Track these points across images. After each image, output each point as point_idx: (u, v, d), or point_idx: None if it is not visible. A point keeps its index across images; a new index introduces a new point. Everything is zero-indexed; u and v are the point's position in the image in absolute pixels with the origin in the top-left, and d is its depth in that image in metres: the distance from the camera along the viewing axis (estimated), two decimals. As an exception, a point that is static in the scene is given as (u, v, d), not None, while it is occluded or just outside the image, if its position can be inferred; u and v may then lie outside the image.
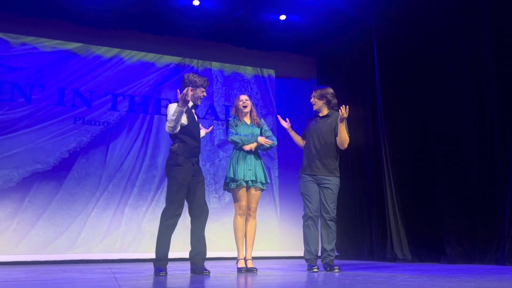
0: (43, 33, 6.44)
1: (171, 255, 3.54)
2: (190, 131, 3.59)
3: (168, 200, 3.48)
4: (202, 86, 3.65)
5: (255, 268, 3.76)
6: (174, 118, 3.44)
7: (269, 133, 4.10)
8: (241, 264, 3.79)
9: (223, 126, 7.17)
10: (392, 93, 5.57)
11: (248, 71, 7.58)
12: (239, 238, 3.82)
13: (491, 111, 4.41)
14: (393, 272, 3.46)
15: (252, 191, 3.89)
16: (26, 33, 6.37)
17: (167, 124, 3.50)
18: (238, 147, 3.94)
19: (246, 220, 3.88)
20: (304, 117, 7.41)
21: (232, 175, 3.85)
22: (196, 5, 6.36)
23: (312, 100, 3.96)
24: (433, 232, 5.01)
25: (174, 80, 7.04)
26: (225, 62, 7.42)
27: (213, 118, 7.17)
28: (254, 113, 4.09)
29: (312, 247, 3.75)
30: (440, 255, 4.79)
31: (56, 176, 6.14)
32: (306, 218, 3.78)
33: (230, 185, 3.87)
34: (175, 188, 3.46)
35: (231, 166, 3.89)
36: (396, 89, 5.55)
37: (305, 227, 3.78)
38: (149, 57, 7.02)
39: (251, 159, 3.91)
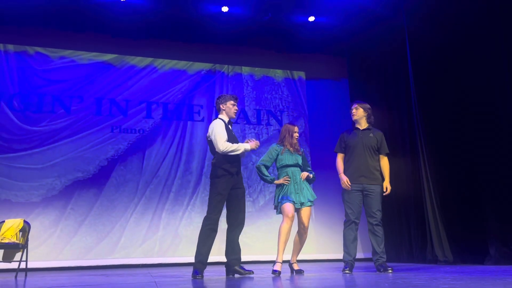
0: (80, 46, 6.71)
1: (209, 258, 3.64)
2: None
3: (209, 208, 3.72)
4: (231, 99, 3.98)
5: (301, 270, 3.92)
6: (236, 152, 3.76)
7: (309, 167, 4.19)
8: (277, 267, 3.77)
9: (254, 129, 7.22)
10: (427, 91, 5.43)
11: (278, 74, 7.59)
12: (281, 242, 3.82)
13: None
14: (434, 275, 3.37)
15: (302, 209, 3.96)
16: (64, 47, 6.66)
17: (227, 148, 3.72)
18: (260, 174, 4.07)
19: (299, 234, 3.98)
20: (335, 118, 7.45)
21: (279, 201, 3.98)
22: (225, 11, 6.46)
23: (354, 111, 4.14)
24: (475, 232, 4.84)
25: (206, 86, 7.15)
26: (255, 66, 7.47)
27: (245, 122, 7.22)
28: (297, 142, 4.18)
29: (351, 250, 3.96)
30: (483, 256, 4.62)
31: (96, 184, 6.36)
32: (349, 223, 3.99)
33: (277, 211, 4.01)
34: (215, 197, 3.71)
35: (279, 192, 3.99)
36: (431, 87, 5.40)
37: (346, 231, 3.99)
38: (180, 64, 7.16)
39: (297, 181, 3.98)
